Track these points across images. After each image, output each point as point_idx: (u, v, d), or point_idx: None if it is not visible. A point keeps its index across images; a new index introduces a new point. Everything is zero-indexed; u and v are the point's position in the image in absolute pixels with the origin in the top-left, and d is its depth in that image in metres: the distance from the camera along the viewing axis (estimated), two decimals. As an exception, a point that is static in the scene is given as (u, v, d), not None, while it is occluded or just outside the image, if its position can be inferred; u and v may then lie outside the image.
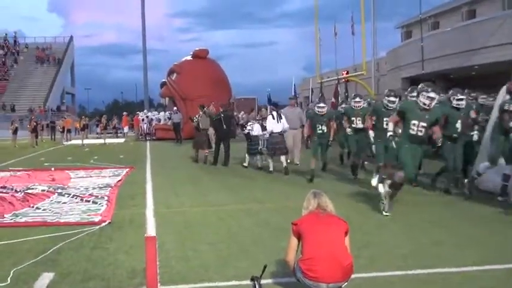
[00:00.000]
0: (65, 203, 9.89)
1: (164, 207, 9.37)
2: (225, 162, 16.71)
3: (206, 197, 10.44)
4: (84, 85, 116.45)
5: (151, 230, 7.45)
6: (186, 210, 8.99)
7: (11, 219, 8.40)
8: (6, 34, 77.73)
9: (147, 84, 70.22)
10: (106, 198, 10.22)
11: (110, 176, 14.19)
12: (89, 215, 8.57)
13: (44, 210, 9.13)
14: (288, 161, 14.78)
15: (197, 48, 36.58)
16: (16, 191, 11.39)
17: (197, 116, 18.73)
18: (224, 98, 33.49)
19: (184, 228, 7.61)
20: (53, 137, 39.97)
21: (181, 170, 15.78)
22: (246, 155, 16.32)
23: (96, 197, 10.43)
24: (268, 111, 15.45)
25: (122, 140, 37.16)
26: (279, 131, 14.70)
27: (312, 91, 29.54)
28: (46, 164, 18.35)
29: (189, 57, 36.81)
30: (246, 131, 16.70)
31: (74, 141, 36.05)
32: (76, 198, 10.29)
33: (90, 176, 14.33)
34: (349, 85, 36.23)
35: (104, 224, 7.84)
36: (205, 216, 8.43)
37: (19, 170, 16.03)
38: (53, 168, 16.15)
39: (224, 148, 17.05)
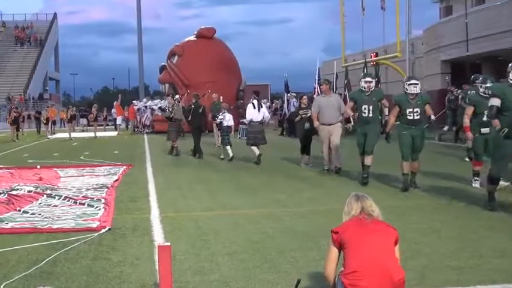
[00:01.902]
0: (56, 206, 9.92)
1: (171, 211, 9.36)
2: (199, 153, 18.57)
3: (219, 200, 10.43)
4: (69, 70, 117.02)
5: (159, 238, 7.44)
6: (197, 215, 8.97)
7: (-4, 224, 8.42)
8: (-20, 11, 78.10)
9: (143, 68, 70.49)
10: (103, 200, 10.24)
11: (104, 175, 14.24)
12: (85, 220, 8.58)
13: (32, 214, 9.15)
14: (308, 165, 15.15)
15: (202, 27, 36.67)
16: (-2, 192, 11.43)
17: (171, 106, 20.06)
18: (233, 85, 33.69)
19: (197, 236, 7.59)
20: (38, 129, 40.19)
21: (187, 168, 15.83)
22: (225, 147, 17.83)
23: (92, 199, 10.45)
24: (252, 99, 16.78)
25: (114, 133, 37.32)
26: (259, 120, 16.44)
27: (337, 76, 29.39)
28: (30, 160, 18.51)
29: (192, 37, 36.88)
30: (218, 121, 18.30)
31: (59, 135, 36.29)
32: (68, 201, 10.31)
33: (82, 175, 14.40)
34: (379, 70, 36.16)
35: (103, 231, 7.84)
36: (220, 222, 8.41)
37: (0, 168, 16.09)
38: (38, 166, 16.25)
39: (194, 139, 18.78)
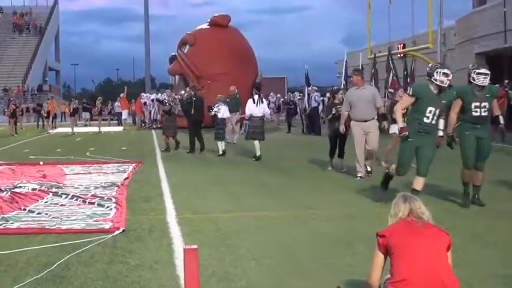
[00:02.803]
0: (63, 205, 9.93)
1: (189, 212, 9.34)
2: (197, 148, 19.11)
3: (240, 200, 10.41)
4: (69, 60, 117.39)
5: (177, 241, 7.42)
6: (217, 217, 8.94)
7: (0, 224, 8.43)
8: (-25, -5, 78.41)
9: (149, 58, 70.71)
10: (114, 200, 10.24)
11: (113, 173, 14.28)
12: (96, 221, 8.58)
13: (39, 214, 9.16)
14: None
15: (216, 14, 36.58)
16: (0, 189, 11.45)
17: (170, 99, 20.42)
18: (249, 77, 33.60)
19: (219, 239, 7.55)
20: (39, 123, 40.41)
21: (201, 166, 15.89)
22: (217, 141, 18.49)
23: (102, 198, 10.46)
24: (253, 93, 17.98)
25: (119, 128, 37.43)
26: (259, 115, 17.17)
27: (362, 68, 29.23)
28: (31, 156, 18.61)
29: (205, 25, 36.82)
30: (213, 113, 18.62)
31: (60, 129, 36.45)
32: (76, 200, 10.33)
33: (89, 172, 14.44)
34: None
35: (117, 233, 7.83)
36: (243, 225, 8.38)
37: (0, 164, 16.16)
38: (41, 162, 16.29)
39: (197, 136, 19.22)
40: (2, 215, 9.02)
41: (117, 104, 43.60)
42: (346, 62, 29.67)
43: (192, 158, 17.96)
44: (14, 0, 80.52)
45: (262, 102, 17.49)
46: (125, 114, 39.59)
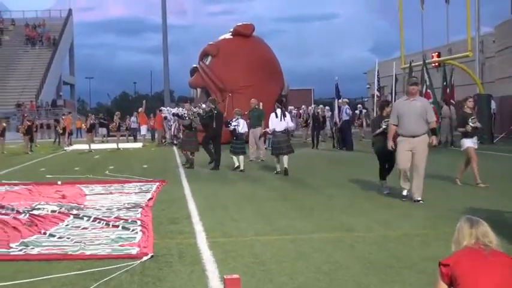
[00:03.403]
0: (85, 228, 9.83)
1: (220, 235, 9.17)
2: (215, 164, 19.28)
3: (274, 222, 10.21)
4: (84, 73, 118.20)
5: (211, 267, 7.24)
6: (252, 240, 8.76)
7: (20, 249, 8.32)
8: (-13, 7, 79.22)
9: (168, 71, 70.99)
10: (139, 222, 10.11)
11: (136, 193, 14.19)
12: (121, 246, 8.44)
13: (60, 238, 9.04)
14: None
15: (239, 24, 36.64)
16: (18, 211, 11.40)
17: (189, 113, 20.37)
18: (275, 89, 33.54)
19: (256, 265, 7.36)
20: (56, 140, 40.65)
21: (229, 184, 15.79)
22: (233, 156, 18.73)
23: (126, 220, 10.33)
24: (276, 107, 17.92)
25: (138, 145, 37.47)
26: (282, 129, 17.66)
27: (396, 79, 29.09)
28: (48, 175, 18.58)
29: (228, 35, 36.85)
30: (232, 128, 18.70)
31: (77, 146, 36.59)
32: (99, 222, 10.22)
33: (111, 193, 14.35)
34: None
35: (145, 259, 7.67)
36: (280, 249, 8.18)
37: (16, 184, 16.17)
38: (59, 182, 16.26)
39: (215, 149, 19.46)
40: (21, 240, 8.91)
41: (133, 119, 43.71)
42: (378, 72, 29.41)
43: (217, 176, 17.85)
44: (26, 11, 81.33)
45: (285, 116, 17.87)
46: (143, 130, 39.58)
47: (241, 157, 18.73)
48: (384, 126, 12.93)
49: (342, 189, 14.34)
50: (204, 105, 22.46)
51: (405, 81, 27.11)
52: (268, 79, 33.85)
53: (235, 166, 18.62)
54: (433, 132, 12.42)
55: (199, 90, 36.63)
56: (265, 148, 21.96)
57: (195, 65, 36.92)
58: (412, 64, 32.17)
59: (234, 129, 18.77)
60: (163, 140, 37.79)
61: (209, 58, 35.79)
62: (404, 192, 12.14)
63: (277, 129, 17.73)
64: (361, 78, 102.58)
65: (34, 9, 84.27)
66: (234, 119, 19.08)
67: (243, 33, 35.80)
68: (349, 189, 14.31)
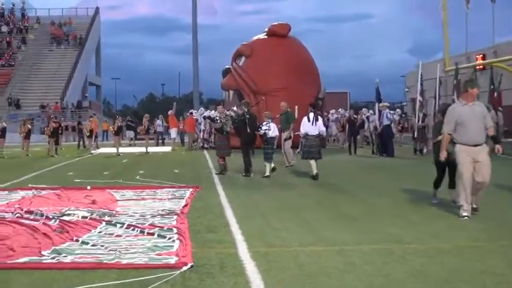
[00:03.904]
0: (119, 235, 9.75)
1: (262, 245, 9.04)
2: (247, 171, 19.17)
3: (318, 231, 10.07)
4: (110, 74, 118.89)
5: (255, 279, 7.12)
6: (296, 251, 8.61)
7: (53, 257, 8.25)
8: (13, 5, 79.97)
9: (198, 72, 71.19)
10: (175, 230, 10.01)
11: (169, 199, 14.12)
12: (159, 255, 8.34)
13: (94, 245, 8.96)
14: None
15: (275, 23, 36.58)
16: (48, 217, 11.37)
17: (222, 116, 20.19)
18: (311, 92, 33.38)
19: (303, 277, 7.23)
20: (80, 143, 40.87)
21: (266, 191, 15.72)
22: (265, 162, 18.81)
23: (161, 228, 10.24)
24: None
25: (167, 149, 37.54)
26: (315, 134, 18.05)
27: (441, 82, 28.79)
28: (77, 180, 18.61)
29: (263, 35, 36.81)
30: (262, 132, 18.76)
31: (103, 149, 36.76)
32: (133, 230, 10.14)
33: (143, 198, 14.29)
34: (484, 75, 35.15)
35: (185, 269, 7.57)
36: (328, 261, 8.03)
37: (43, 188, 16.20)
38: (88, 187, 16.28)
39: (248, 155, 19.28)
40: (53, 247, 8.85)
41: (158, 122, 43.84)
42: (421, 74, 29.11)
43: (252, 182, 17.82)
44: (52, 9, 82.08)
45: (318, 120, 18.24)
46: (173, 133, 39.55)
47: (268, 163, 18.79)
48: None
49: (385, 197, 14.13)
50: (235, 108, 22.34)
51: (454, 84, 26.92)
52: (304, 82, 33.70)
53: (265, 174, 18.62)
54: (494, 139, 11.79)
55: (231, 92, 36.55)
56: (298, 152, 21.71)
57: (227, 66, 36.92)
58: (462, 66, 31.92)
59: (264, 133, 18.78)
60: (194, 144, 37.80)
61: (243, 59, 35.77)
62: (465, 213, 11.08)
63: (310, 134, 18.07)
64: (398, 81, 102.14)
65: (60, 7, 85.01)
66: (264, 123, 19.08)
67: (279, 33, 35.72)
68: (392, 198, 14.09)
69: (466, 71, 34.05)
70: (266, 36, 36.50)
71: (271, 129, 18.84)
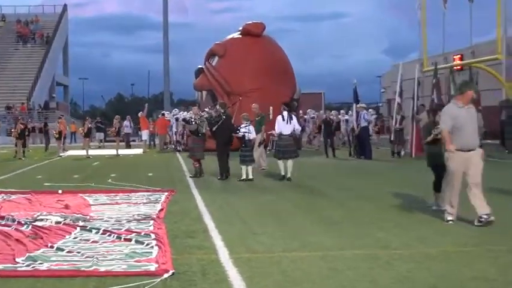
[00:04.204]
0: (95, 242, 9.67)
1: (244, 251, 9.01)
2: (222, 174, 19.09)
3: (300, 236, 10.05)
4: (77, 74, 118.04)
5: (239, 286, 7.10)
6: (279, 257, 8.59)
7: (28, 265, 8.15)
8: (-24, 2, 79.05)
9: (168, 71, 70.97)
10: (153, 236, 9.95)
11: (144, 203, 14.09)
12: (138, 261, 8.28)
13: (69, 252, 8.87)
14: None
15: (249, 22, 36.53)
16: (20, 222, 11.26)
17: (197, 117, 20.21)
18: (286, 93, 33.39)
19: (288, 284, 7.23)
20: (47, 145, 40.58)
21: (243, 195, 15.70)
22: (242, 165, 18.72)
23: (138, 233, 10.18)
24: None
25: (139, 151, 37.37)
26: (288, 133, 18.30)
27: (419, 83, 28.94)
28: (47, 183, 18.44)
29: (236, 35, 36.77)
30: (240, 134, 18.73)
31: (72, 152, 36.56)
32: (110, 236, 10.06)
33: (117, 203, 14.26)
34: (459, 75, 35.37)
35: (166, 276, 7.52)
36: (312, 266, 8.02)
37: (13, 192, 16.04)
38: (60, 191, 16.14)
39: (224, 157, 19.27)
40: (27, 254, 8.75)
41: (126, 123, 43.54)
42: (401, 75, 29.24)
43: (228, 185, 17.85)
44: (18, 6, 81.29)
45: (292, 119, 18.38)
46: (145, 135, 39.32)
47: (250, 166, 18.75)
48: (435, 133, 11.98)
49: (367, 201, 14.15)
50: (207, 109, 22.28)
51: (434, 83, 27.03)
52: (279, 82, 33.72)
53: (242, 178, 18.56)
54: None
55: (204, 93, 36.46)
56: (269, 150, 21.61)
57: (200, 66, 36.83)
58: (440, 66, 32.10)
59: (243, 135, 18.73)
60: (165, 146, 37.69)
61: (216, 58, 35.72)
62: (450, 218, 11.12)
63: (284, 133, 18.30)
64: (373, 82, 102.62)
65: (26, 5, 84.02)
66: (243, 125, 19.00)
67: (253, 33, 35.67)
68: (374, 201, 14.10)
69: (444, 71, 34.21)
70: (240, 36, 36.45)
71: (250, 132, 18.79)
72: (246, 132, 18.71)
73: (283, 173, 18.54)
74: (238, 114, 23.00)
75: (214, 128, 19.11)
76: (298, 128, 19.43)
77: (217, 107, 20.22)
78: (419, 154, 26.94)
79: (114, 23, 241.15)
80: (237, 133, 18.87)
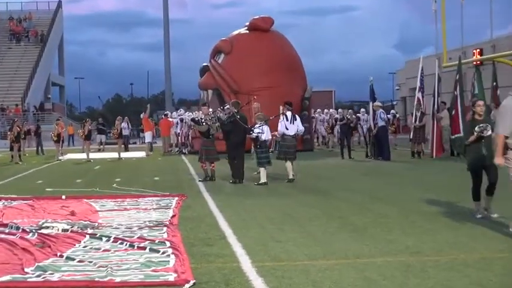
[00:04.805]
0: (107, 250, 9.56)
1: (268, 259, 8.88)
2: (238, 177, 19.08)
3: (325, 243, 9.93)
4: (73, 73, 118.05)
5: (267, 298, 6.99)
6: (306, 265, 8.46)
7: (38, 275, 8.04)
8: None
9: (170, 70, 70.94)
10: (168, 244, 9.84)
11: (154, 209, 14.01)
12: (155, 271, 8.17)
13: (81, 262, 8.76)
14: None
15: (256, 17, 36.39)
16: (24, 230, 11.16)
17: (207, 117, 20.12)
18: (297, 91, 33.34)
19: (320, 295, 7.10)
20: (39, 148, 40.51)
21: (257, 199, 15.67)
22: (260, 167, 18.75)
23: (152, 241, 10.07)
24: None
25: (141, 154, 37.30)
26: (292, 134, 18.66)
27: (439, 79, 28.76)
28: (48, 189, 18.38)
29: (243, 30, 36.66)
30: (254, 135, 18.54)
31: (71, 155, 36.53)
32: (122, 244, 9.95)
33: (125, 209, 14.18)
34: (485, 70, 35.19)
35: (187, 286, 7.42)
36: (343, 276, 7.88)
37: (14, 199, 15.95)
38: (63, 196, 16.05)
39: (238, 160, 19.24)
40: (36, 263, 8.64)
41: (124, 125, 43.37)
42: (422, 69, 29.07)
43: (240, 189, 17.79)
44: (10, 3, 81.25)
45: (296, 120, 18.63)
46: (148, 137, 38.85)
47: (263, 168, 18.65)
48: (477, 131, 11.49)
49: (389, 205, 14.05)
50: (219, 109, 22.10)
51: (457, 79, 26.83)
52: (289, 80, 33.67)
53: (261, 181, 18.40)
54: None
55: (210, 92, 36.38)
56: (271, 151, 21.63)
57: (205, 64, 36.69)
58: (465, 61, 31.80)
59: (257, 136, 18.57)
60: (170, 149, 37.65)
61: (222, 56, 35.60)
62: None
63: (287, 133, 18.62)
64: (386, 79, 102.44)
65: (19, 1, 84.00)
66: (257, 125, 18.79)
67: (261, 27, 35.55)
68: (398, 205, 14.00)
69: (464, 66, 33.99)
70: (247, 31, 36.34)
71: (264, 132, 18.59)
72: (259, 132, 18.51)
73: (290, 177, 18.91)
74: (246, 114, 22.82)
75: (227, 129, 18.95)
76: (302, 128, 19.60)
77: (230, 106, 19.99)
78: (440, 155, 26.92)
79: (110, 20, 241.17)
80: (251, 134, 18.69)
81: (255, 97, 24.97)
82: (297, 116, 19.23)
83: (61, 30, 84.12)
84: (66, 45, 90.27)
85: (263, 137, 18.63)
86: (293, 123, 18.61)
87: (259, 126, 18.72)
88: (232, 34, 36.97)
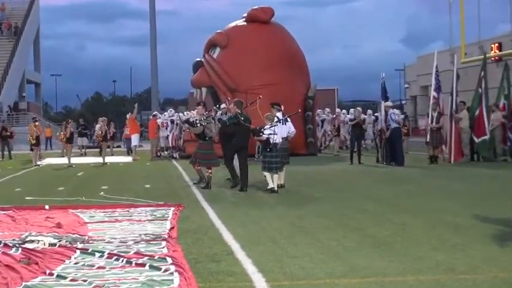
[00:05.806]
0: (102, 267, 9.35)
1: (283, 277, 8.71)
2: (242, 185, 18.81)
3: (344, 259, 9.76)
4: (50, 70, 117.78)
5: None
6: (327, 284, 8.29)
7: (27, 296, 7.86)
8: None
9: (156, 66, 70.82)
10: (170, 260, 9.65)
11: (149, 220, 13.82)
12: (158, 291, 7.99)
13: (73, 280, 8.57)
14: None
15: (255, 7, 36.25)
16: (6, 245, 10.94)
17: (202, 118, 19.87)
18: (300, 89, 33.23)
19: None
20: (4, 153, 40.20)
21: (263, 208, 15.47)
22: (265, 172, 18.29)
23: (151, 257, 9.88)
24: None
25: (128, 159, 37.21)
26: (284, 136, 18.69)
27: (458, 76, 28.64)
28: (28, 198, 18.15)
29: (241, 22, 36.54)
30: (265, 137, 18.13)
31: (49, 160, 36.43)
32: (118, 260, 9.75)
33: (117, 220, 13.97)
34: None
35: (196, 310, 7.24)
36: (371, 297, 7.73)
37: (-8, 210, 15.74)
38: (47, 206, 15.85)
39: (241, 165, 19.10)
40: (23, 283, 8.44)
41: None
42: (436, 67, 28.96)
43: (243, 198, 17.66)
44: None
45: (288, 121, 18.83)
46: (135, 140, 38.56)
47: (276, 175, 18.36)
48: None
49: (411, 216, 13.91)
50: (223, 105, 21.92)
51: (482, 76, 26.72)
52: (292, 77, 33.61)
53: (269, 187, 18.16)
54: None
55: (204, 90, 36.16)
56: (258, 156, 21.37)
57: (199, 59, 36.54)
58: (471, 58, 31.76)
59: (268, 138, 18.16)
60: (158, 153, 37.52)
61: (217, 50, 35.45)
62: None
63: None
64: (393, 76, 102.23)
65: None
66: (267, 126, 18.32)
67: (260, 19, 35.46)
68: (421, 216, 13.86)
69: (479, 62, 33.90)
70: (245, 23, 36.22)
71: (276, 133, 18.13)
72: (271, 134, 18.10)
73: (282, 182, 19.11)
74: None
75: (230, 131, 18.74)
76: (293, 130, 19.76)
77: (232, 106, 19.73)
78: (459, 160, 26.80)
79: (90, 11, 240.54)
80: (260, 135, 18.42)
81: (261, 96, 24.76)
82: (288, 118, 19.44)
83: (37, 23, 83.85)
84: (43, 39, 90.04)
85: (274, 139, 18.18)
86: (285, 124, 18.73)
87: (270, 127, 18.30)
88: (228, 26, 36.89)
